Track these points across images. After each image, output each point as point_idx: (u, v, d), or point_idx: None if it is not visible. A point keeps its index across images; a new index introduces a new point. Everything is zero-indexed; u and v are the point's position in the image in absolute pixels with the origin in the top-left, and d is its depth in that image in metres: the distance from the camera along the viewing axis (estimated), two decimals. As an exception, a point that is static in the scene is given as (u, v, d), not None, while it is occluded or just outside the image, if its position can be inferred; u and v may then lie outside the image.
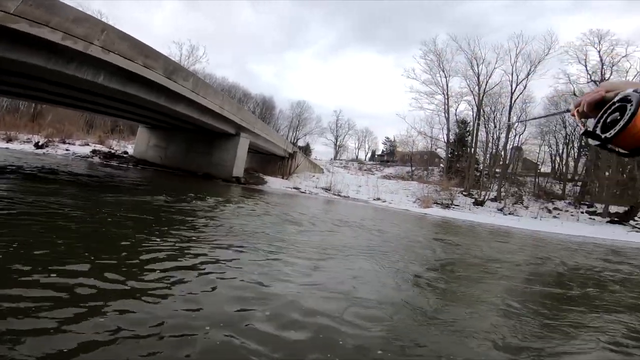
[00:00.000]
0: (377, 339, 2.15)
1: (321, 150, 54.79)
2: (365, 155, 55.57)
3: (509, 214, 23.58)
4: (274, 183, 21.27)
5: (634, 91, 0.56)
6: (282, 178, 24.64)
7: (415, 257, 5.23)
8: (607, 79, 27.72)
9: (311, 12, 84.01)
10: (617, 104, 0.57)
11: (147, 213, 5.15)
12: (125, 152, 22.22)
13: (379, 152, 53.78)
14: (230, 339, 1.88)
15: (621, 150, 0.56)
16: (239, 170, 18.17)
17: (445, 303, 3.15)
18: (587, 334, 2.71)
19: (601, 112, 0.59)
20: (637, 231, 19.78)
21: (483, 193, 26.41)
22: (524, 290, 4.09)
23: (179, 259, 3.16)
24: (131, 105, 13.00)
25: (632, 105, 0.53)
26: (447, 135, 33.00)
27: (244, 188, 15.92)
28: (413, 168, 36.31)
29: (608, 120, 0.56)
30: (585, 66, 28.06)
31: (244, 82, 75.70)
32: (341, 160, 48.24)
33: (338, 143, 54.28)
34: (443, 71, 32.28)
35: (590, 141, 0.59)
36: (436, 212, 20.80)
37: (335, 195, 23.08)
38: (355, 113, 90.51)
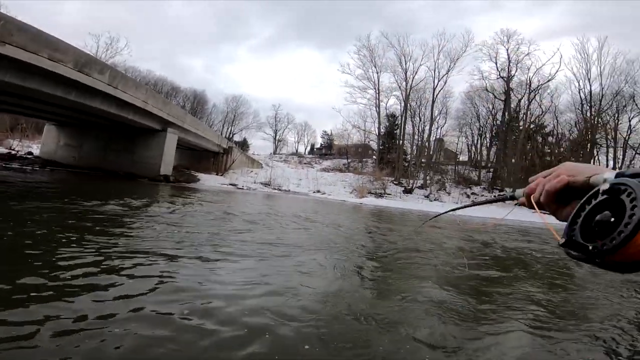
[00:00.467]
0: (308, 334, 2.20)
1: (260, 145, 53.89)
2: (305, 149, 56.00)
3: (435, 200, 25.99)
4: (207, 180, 20.42)
5: (619, 175, 0.40)
6: (217, 175, 23.77)
7: (357, 248, 5.55)
8: (513, 76, 31.80)
9: (249, 5, 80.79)
10: (602, 196, 0.39)
11: (59, 221, 4.64)
12: (30, 153, 19.41)
13: (318, 146, 54.68)
14: (154, 338, 1.88)
15: (611, 264, 0.37)
16: (167, 167, 17.09)
17: (386, 291, 3.45)
18: (512, 313, 3.05)
19: (576, 209, 0.42)
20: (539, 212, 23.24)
21: (411, 181, 28.68)
22: (456, 274, 4.53)
23: (102, 270, 2.95)
24: (36, 101, 11.44)
25: (635, 199, 0.35)
26: (379, 128, 34.93)
27: (173, 187, 15.05)
28: (349, 160, 37.74)
29: (596, 219, 0.38)
30: (496, 63, 31.72)
31: (173, 76, 70.16)
32: (281, 154, 47.98)
33: (277, 137, 53.82)
34: (375, 67, 33.85)
35: (570, 253, 0.41)
36: (371, 201, 22.05)
37: (275, 189, 23.02)
38: (294, 107, 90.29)
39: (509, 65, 30.94)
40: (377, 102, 34.15)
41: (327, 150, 49.34)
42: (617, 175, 0.39)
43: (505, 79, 31.25)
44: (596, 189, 0.40)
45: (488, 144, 36.70)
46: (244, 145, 45.84)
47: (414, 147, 34.21)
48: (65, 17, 47.50)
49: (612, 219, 0.36)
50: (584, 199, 0.41)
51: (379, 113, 34.39)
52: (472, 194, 28.36)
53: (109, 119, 14.23)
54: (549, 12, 64.42)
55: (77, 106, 11.69)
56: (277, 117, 52.90)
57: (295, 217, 8.76)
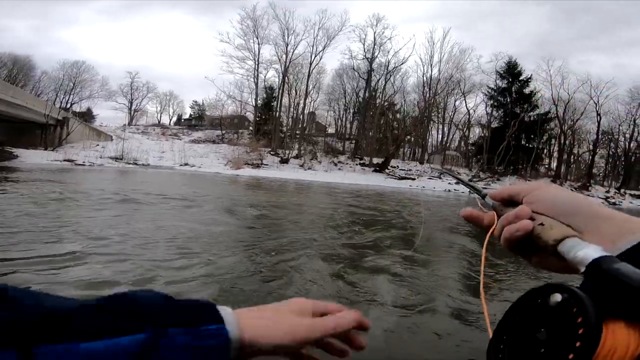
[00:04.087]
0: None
1: (110, 116, 44.87)
2: (170, 120, 50.00)
3: (308, 169, 27.28)
4: (30, 157, 15.72)
5: (596, 260, 0.25)
6: (47, 150, 18.56)
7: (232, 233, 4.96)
8: (375, 57, 35.22)
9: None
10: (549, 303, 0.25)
11: None
12: None
13: (187, 117, 49.55)
14: None
15: None
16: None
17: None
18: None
19: (512, 307, 0.27)
20: (390, 178, 27.09)
21: (287, 152, 29.26)
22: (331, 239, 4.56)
23: None
24: None
25: (586, 320, 0.23)
26: (256, 99, 33.99)
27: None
28: (223, 131, 35.63)
29: (536, 335, 0.26)
30: (364, 45, 34.05)
31: None
32: (138, 125, 41.36)
33: (134, 107, 45.93)
34: (257, 37, 32.46)
35: None
36: (248, 172, 21.40)
37: (130, 164, 19.62)
38: (157, 75, 78.39)
39: (374, 47, 33.95)
40: (256, 74, 33.16)
41: (198, 121, 45.22)
42: (590, 267, 0.25)
43: (369, 60, 34.34)
44: (544, 291, 0.25)
45: (351, 119, 40.55)
46: (86, 115, 37.38)
47: (290, 119, 34.80)
48: None
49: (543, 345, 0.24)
50: (532, 295, 0.26)
51: (257, 84, 33.49)
52: (339, 162, 31.01)
53: None
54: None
55: None
56: (133, 85, 44.87)
57: (155, 196, 7.48)
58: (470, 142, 39.28)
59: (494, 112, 35.23)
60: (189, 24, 77.55)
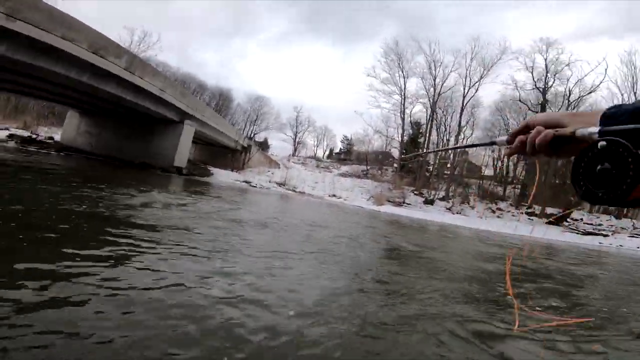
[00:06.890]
0: None
1: (280, 145, 53.44)
2: (324, 153, 55.53)
3: (457, 213, 24.56)
4: (221, 175, 20.04)
5: (602, 130, 0.44)
6: (232, 171, 23.42)
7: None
8: (550, 87, 29.45)
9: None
10: (598, 148, 0.43)
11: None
12: (51, 138, 19.65)
13: (337, 150, 54.04)
14: None
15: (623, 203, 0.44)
16: (181, 160, 16.78)
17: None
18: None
19: (575, 163, 0.45)
20: (570, 232, 21.25)
21: (433, 192, 27.32)
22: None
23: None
24: (49, 83, 11.29)
25: (627, 152, 0.41)
26: (402, 135, 33.76)
27: (185, 179, 14.64)
28: (368, 167, 36.80)
29: (598, 168, 0.43)
30: (532, 73, 29.64)
31: (189, 69, 68.88)
32: (299, 157, 47.63)
33: (297, 140, 53.59)
34: (402, 71, 32.59)
35: (587, 199, 0.45)
36: (389, 209, 21.00)
37: (289, 190, 22.41)
38: (311, 107, 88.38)
39: (547, 75, 29.08)
40: (402, 108, 33.13)
41: (346, 155, 48.60)
42: (602, 133, 0.44)
43: (542, 90, 29.36)
44: (593, 143, 0.44)
45: (515, 159, 34.75)
46: (264, 145, 45.76)
47: (437, 157, 32.91)
48: (76, 13, 48.84)
49: (610, 168, 0.42)
50: (581, 153, 0.45)
51: (403, 119, 33.34)
52: (498, 209, 26.68)
53: (126, 106, 13.99)
54: (585, 9, 60.09)
55: (90, 90, 11.46)
56: (298, 120, 52.69)
57: (316, 224, 7.99)
58: None
59: None
60: (330, 55, 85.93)
